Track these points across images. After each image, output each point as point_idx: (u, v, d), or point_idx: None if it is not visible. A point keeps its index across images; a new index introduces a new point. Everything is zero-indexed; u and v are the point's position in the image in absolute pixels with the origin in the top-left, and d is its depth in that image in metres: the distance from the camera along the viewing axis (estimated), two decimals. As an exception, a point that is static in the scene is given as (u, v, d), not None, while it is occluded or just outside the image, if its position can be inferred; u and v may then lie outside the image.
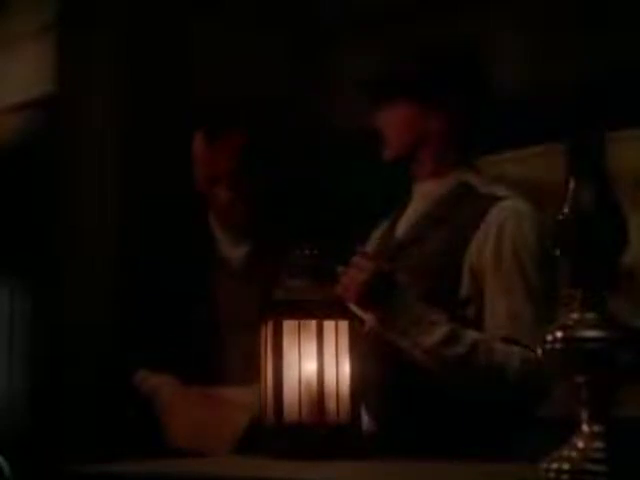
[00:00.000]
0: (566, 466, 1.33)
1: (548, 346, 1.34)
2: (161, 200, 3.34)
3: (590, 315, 1.34)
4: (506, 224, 2.13)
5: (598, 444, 1.33)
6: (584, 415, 1.34)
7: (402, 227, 2.33)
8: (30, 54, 3.92)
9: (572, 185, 1.37)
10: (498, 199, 2.17)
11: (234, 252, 3.00)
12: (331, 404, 2.02)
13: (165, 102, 3.40)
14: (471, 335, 2.03)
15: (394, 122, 2.28)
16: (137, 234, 3.33)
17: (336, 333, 2.05)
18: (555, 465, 1.33)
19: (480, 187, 2.23)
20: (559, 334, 1.34)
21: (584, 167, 1.36)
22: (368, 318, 2.09)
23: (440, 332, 2.01)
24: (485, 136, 2.29)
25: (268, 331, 2.06)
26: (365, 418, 2.16)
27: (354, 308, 2.06)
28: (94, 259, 3.45)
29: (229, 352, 2.90)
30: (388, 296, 2.04)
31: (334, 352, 2.04)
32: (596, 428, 1.34)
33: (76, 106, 3.53)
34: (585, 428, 1.34)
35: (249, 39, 3.67)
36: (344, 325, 2.07)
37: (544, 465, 1.34)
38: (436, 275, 2.15)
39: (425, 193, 2.31)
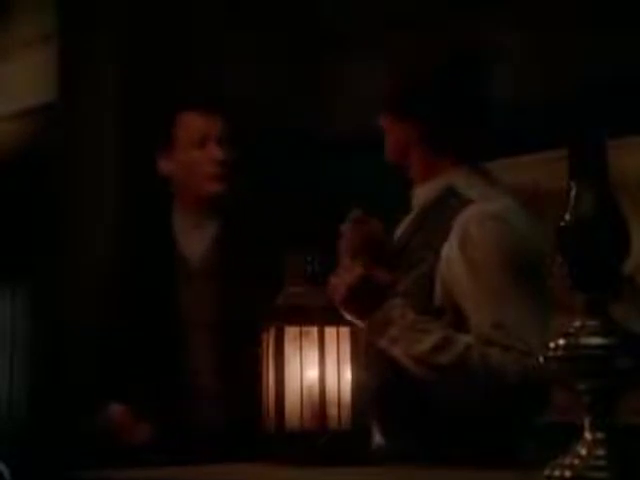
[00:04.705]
0: (568, 473, 1.32)
1: (550, 353, 1.33)
2: (160, 201, 3.34)
3: (592, 322, 1.33)
4: (469, 230, 2.05)
5: (600, 451, 1.32)
6: (586, 422, 1.34)
7: (398, 232, 2.31)
8: (31, 61, 3.92)
9: (573, 190, 1.36)
10: (470, 203, 2.10)
11: (194, 248, 2.99)
12: (333, 411, 2.02)
13: (165, 107, 3.39)
14: (464, 340, 2.00)
15: (386, 127, 2.28)
16: (134, 235, 3.34)
17: (337, 339, 2.05)
18: (557, 472, 1.32)
19: (464, 191, 2.15)
20: (561, 341, 1.33)
21: (585, 172, 1.35)
22: (358, 324, 2.07)
23: (430, 340, 1.98)
24: (483, 141, 2.26)
25: (270, 337, 2.06)
26: (371, 425, 2.15)
27: (343, 312, 2.04)
28: (93, 260, 3.45)
29: (194, 353, 2.90)
30: (376, 301, 2.02)
31: (336, 359, 2.04)
32: (598, 435, 1.33)
33: (76, 112, 3.53)
34: (587, 435, 1.34)
35: (250, 40, 3.68)
36: (345, 331, 2.06)
37: (546, 472, 1.34)
38: (414, 284, 2.12)
39: (419, 197, 2.28)
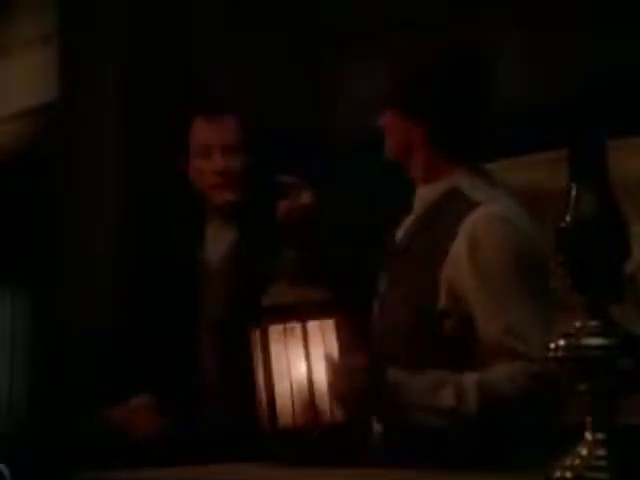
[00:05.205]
0: (569, 474, 1.32)
1: (551, 354, 1.34)
2: (160, 202, 3.34)
3: (593, 323, 1.34)
4: (478, 232, 2.05)
5: (600, 452, 1.32)
6: (587, 423, 1.34)
7: (399, 234, 2.30)
8: (31, 61, 3.92)
9: (574, 192, 1.36)
10: (477, 205, 2.09)
11: (216, 249, 2.99)
12: (324, 405, 2.04)
13: (167, 107, 3.40)
14: (472, 381, 1.97)
15: (387, 127, 2.27)
16: (135, 235, 3.34)
17: (322, 332, 2.08)
18: (558, 473, 1.33)
19: (469, 193, 2.14)
20: (562, 342, 1.33)
21: (586, 173, 1.35)
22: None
23: (445, 404, 1.96)
24: (485, 142, 2.25)
25: (256, 337, 2.09)
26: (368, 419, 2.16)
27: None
28: (94, 260, 3.46)
29: (208, 354, 2.91)
30: (386, 396, 1.99)
31: (322, 352, 2.06)
32: (599, 436, 1.33)
33: (77, 112, 3.54)
34: (588, 436, 1.34)
35: (250, 40, 3.68)
36: (330, 323, 2.09)
37: (547, 473, 1.34)
38: (416, 288, 2.12)
39: (421, 198, 2.27)
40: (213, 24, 3.64)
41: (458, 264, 2.06)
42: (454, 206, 2.13)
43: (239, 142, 2.97)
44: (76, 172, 3.55)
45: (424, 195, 2.24)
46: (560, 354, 1.33)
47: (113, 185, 3.47)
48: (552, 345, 1.33)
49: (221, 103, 3.12)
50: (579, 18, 3.17)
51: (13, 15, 4.10)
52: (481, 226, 2.06)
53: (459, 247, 2.06)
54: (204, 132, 2.98)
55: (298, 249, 2.20)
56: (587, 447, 1.33)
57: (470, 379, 1.98)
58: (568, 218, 1.35)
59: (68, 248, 3.54)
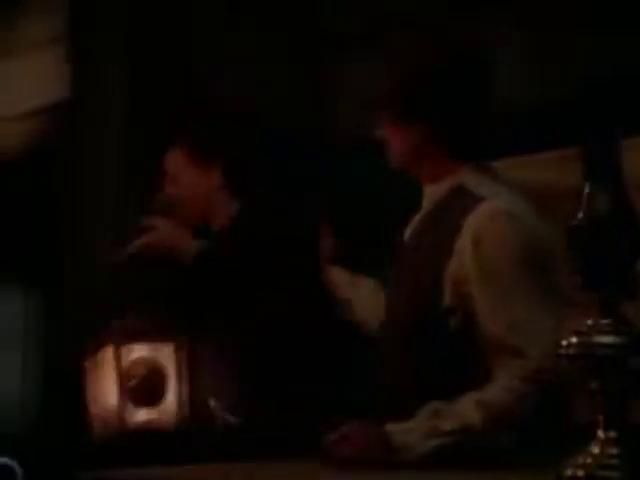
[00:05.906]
0: (581, 473, 1.32)
1: (563, 351, 1.34)
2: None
3: (605, 321, 1.34)
4: (482, 227, 2.05)
5: (612, 450, 1.32)
6: (599, 421, 1.34)
7: (408, 232, 2.31)
8: (40, 61, 3.93)
9: (587, 190, 1.36)
10: (482, 200, 2.09)
11: None
12: None
13: (171, 108, 3.40)
14: (471, 401, 1.96)
15: (388, 134, 2.26)
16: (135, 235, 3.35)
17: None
18: (570, 472, 1.33)
19: (475, 189, 2.14)
20: (574, 340, 1.33)
21: (599, 172, 1.35)
22: None
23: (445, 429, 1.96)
24: (492, 141, 2.25)
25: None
26: None
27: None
28: (94, 260, 3.46)
29: None
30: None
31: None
32: (611, 434, 1.33)
33: (79, 112, 3.54)
34: (600, 434, 1.34)
35: (250, 40, 3.68)
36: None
37: (559, 472, 1.34)
38: (421, 285, 2.12)
39: (428, 197, 2.27)
40: (213, 24, 3.64)
41: (463, 259, 2.05)
42: (460, 203, 2.12)
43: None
44: (76, 172, 3.55)
45: (431, 194, 2.24)
46: (572, 351, 1.33)
47: (114, 185, 3.47)
48: (564, 342, 1.33)
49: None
50: (579, 18, 3.17)
51: (22, 16, 4.11)
52: (485, 221, 2.06)
53: (463, 242, 2.06)
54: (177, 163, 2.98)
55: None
56: (599, 445, 1.33)
57: (469, 401, 1.97)
58: (581, 216, 1.35)
59: (68, 248, 3.54)
